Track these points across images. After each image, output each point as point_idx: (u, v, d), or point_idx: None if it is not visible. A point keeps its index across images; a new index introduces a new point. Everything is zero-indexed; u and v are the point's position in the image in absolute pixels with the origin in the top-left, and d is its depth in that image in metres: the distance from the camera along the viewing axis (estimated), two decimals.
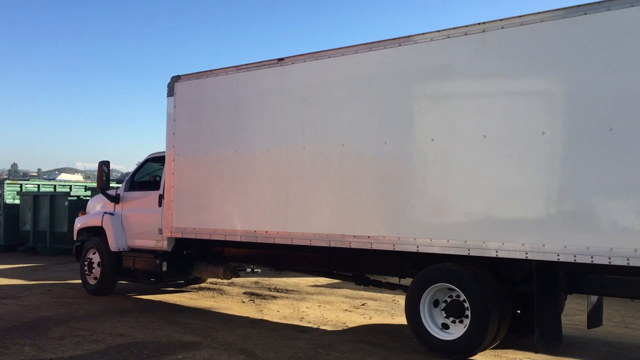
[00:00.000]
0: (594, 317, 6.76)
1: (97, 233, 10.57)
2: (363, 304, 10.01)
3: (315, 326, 8.25)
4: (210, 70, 8.93)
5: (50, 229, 17.63)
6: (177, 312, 9.19)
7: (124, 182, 10.65)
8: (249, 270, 10.12)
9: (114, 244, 10.05)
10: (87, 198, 17.45)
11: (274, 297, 10.63)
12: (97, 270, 10.34)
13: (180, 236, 9.16)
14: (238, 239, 8.39)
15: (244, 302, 10.21)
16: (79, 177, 69.58)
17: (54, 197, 17.81)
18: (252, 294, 10.98)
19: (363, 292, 10.94)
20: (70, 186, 21.05)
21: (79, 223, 11.00)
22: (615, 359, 6.73)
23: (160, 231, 9.51)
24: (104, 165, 10.24)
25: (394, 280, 8.04)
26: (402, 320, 8.47)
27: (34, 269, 14.59)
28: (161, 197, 9.60)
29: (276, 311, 9.37)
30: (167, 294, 10.80)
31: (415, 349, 6.84)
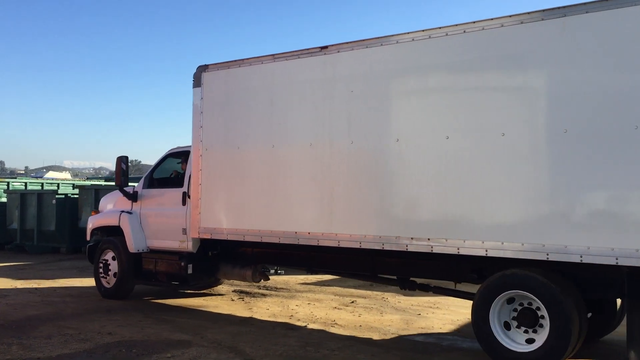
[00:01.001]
0: None
1: (112, 233, 9.89)
2: (352, 302, 9.85)
3: (305, 324, 8.17)
4: (242, 60, 8.33)
5: (38, 227, 17.50)
6: (166, 310, 9.02)
7: (142, 179, 9.94)
8: (272, 271, 9.58)
9: (132, 245, 9.38)
10: (75, 196, 17.39)
11: (264, 295, 10.43)
12: (114, 272, 9.65)
13: (209, 237, 8.54)
14: (277, 240, 7.81)
15: (233, 300, 10.01)
16: (66, 175, 68.27)
17: (41, 195, 17.74)
18: (241, 292, 10.76)
19: (352, 290, 10.91)
20: (58, 184, 21.11)
21: (93, 222, 10.26)
22: None
23: (185, 231, 8.89)
24: (122, 160, 9.54)
25: (441, 283, 7.53)
26: (391, 317, 8.68)
27: (21, 267, 14.24)
28: (185, 194, 8.97)
29: (265, 309, 9.23)
30: (157, 293, 10.39)
31: (404, 346, 6.81)
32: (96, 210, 10.69)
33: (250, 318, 8.52)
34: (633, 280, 5.64)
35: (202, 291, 10.69)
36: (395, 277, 7.80)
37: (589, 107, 5.69)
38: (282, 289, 11.09)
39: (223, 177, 8.40)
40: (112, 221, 9.81)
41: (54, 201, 17.03)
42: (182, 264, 8.83)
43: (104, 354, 6.46)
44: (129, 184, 9.82)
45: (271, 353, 6.52)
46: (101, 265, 9.79)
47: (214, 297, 10.20)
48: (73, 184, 20.71)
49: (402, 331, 7.83)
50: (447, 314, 8.92)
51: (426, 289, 7.68)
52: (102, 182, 21.88)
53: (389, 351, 6.65)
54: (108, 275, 9.71)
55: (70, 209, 17.16)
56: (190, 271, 8.84)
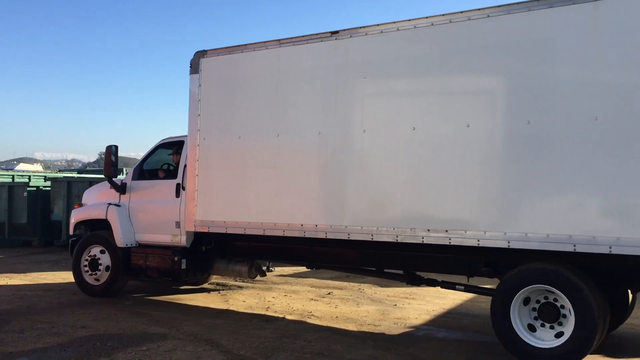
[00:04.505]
0: None
1: (98, 227, 9.37)
2: (329, 293, 9.84)
3: (282, 316, 8.16)
4: (245, 45, 7.96)
5: (9, 220, 17.08)
6: (142, 303, 8.92)
7: (132, 170, 9.43)
8: (264, 268, 9.22)
9: (120, 239, 8.90)
10: (47, 189, 17.03)
11: (240, 287, 10.36)
12: (102, 268, 9.14)
13: (206, 230, 8.14)
14: (281, 233, 7.49)
15: (209, 292, 9.92)
16: (38, 167, 66.37)
17: (12, 187, 17.27)
18: (217, 284, 10.65)
19: (329, 282, 10.92)
20: (29, 176, 20.63)
21: (76, 216, 9.66)
22: None
23: (178, 225, 8.49)
24: (112, 151, 8.99)
25: (449, 278, 7.26)
26: (367, 308, 8.74)
27: None
28: (179, 186, 8.56)
29: (242, 301, 9.18)
30: (132, 286, 9.99)
31: (380, 336, 6.87)
32: (80, 203, 10.12)
33: (227, 310, 8.46)
34: None
35: (191, 287, 10.30)
36: (402, 272, 7.55)
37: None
38: (259, 281, 10.88)
39: (222, 168, 8.02)
40: (98, 214, 9.28)
41: (25, 194, 16.62)
42: (176, 258, 8.42)
43: (78, 347, 6.35)
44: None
45: (248, 345, 6.51)
46: (87, 261, 9.25)
47: (189, 289, 10.03)
48: (45, 177, 20.09)
49: (378, 322, 7.84)
50: (423, 304, 9.00)
51: (433, 284, 7.45)
52: (75, 175, 21.24)
53: (365, 342, 6.71)
54: (97, 271, 9.17)
55: (42, 201, 16.75)
56: (183, 266, 8.45)
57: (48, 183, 17.40)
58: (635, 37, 5.51)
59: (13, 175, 20.58)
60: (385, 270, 7.64)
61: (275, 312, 8.39)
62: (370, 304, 8.98)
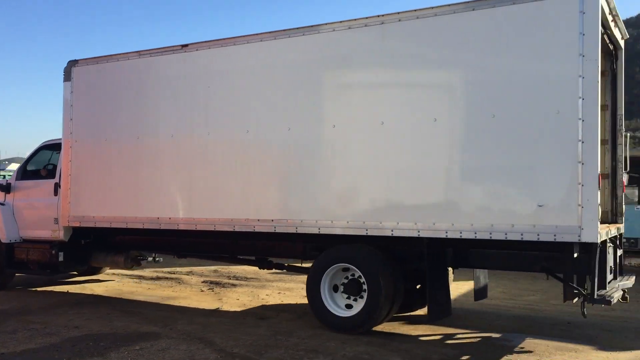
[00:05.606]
0: (480, 291, 7.42)
1: None
2: None
3: (275, 313, 8.28)
4: (111, 55, 8.76)
5: None
6: (135, 302, 9.04)
7: (16, 171, 10.15)
8: (150, 259, 10.05)
9: (4, 235, 9.57)
10: None
11: (234, 285, 10.60)
12: None
13: (78, 225, 8.92)
14: (141, 226, 8.32)
15: (202, 291, 10.13)
16: None
17: None
18: (211, 282, 10.92)
19: None
20: None
21: None
22: (565, 335, 7.10)
23: (57, 221, 9.20)
24: None
25: (297, 262, 8.35)
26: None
27: None
28: (57, 185, 9.29)
29: (236, 299, 9.34)
30: (125, 285, 10.60)
31: (374, 333, 6.96)
32: None
33: (220, 309, 8.57)
34: (430, 251, 6.64)
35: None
36: (254, 258, 8.55)
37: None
38: (252, 278, 11.26)
39: (91, 168, 8.82)
40: None
41: None
42: (54, 252, 9.15)
43: (71, 347, 6.29)
44: None
45: (241, 343, 6.49)
46: None
47: (183, 288, 10.32)
48: None
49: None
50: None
51: (281, 268, 8.50)
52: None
53: (359, 338, 6.73)
54: None
55: None
56: (61, 259, 9.16)
57: None
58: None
59: (4, 176, 20.15)
60: (239, 256, 8.63)
61: (269, 309, 8.52)
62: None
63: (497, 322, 7.67)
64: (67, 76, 9.06)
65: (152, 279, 11.38)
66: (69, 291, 9.97)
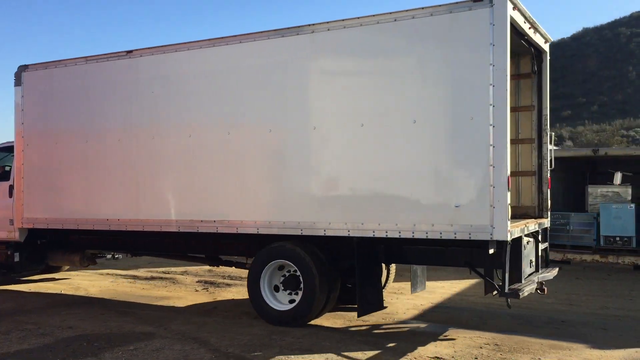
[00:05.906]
0: (416, 283, 7.78)
1: None
2: None
3: None
4: (59, 61, 8.97)
5: None
6: (129, 302, 9.09)
7: None
8: (109, 256, 10.34)
9: None
10: None
11: (228, 285, 10.61)
12: None
13: (31, 226, 9.18)
14: (91, 227, 8.60)
15: (197, 290, 10.15)
16: None
17: None
18: (205, 282, 10.99)
19: None
20: None
21: None
22: (559, 334, 7.14)
23: (12, 222, 9.42)
24: None
25: (243, 259, 8.64)
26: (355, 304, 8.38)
27: None
28: (11, 187, 9.50)
29: (230, 299, 9.38)
30: (119, 285, 10.72)
31: (368, 332, 7.09)
32: None
33: (215, 308, 8.55)
34: (360, 249, 6.99)
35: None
36: (204, 256, 8.89)
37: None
38: (247, 278, 11.16)
39: (43, 171, 9.05)
40: None
41: None
42: (9, 252, 9.43)
43: (65, 348, 6.30)
44: None
45: (236, 342, 6.49)
46: None
47: (177, 288, 10.33)
48: None
49: (367, 317, 7.71)
50: (412, 299, 9.06)
51: (229, 265, 8.85)
52: None
53: (353, 337, 6.81)
54: None
55: None
56: (17, 259, 9.45)
57: None
58: None
59: None
60: (190, 255, 8.96)
61: None
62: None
63: (492, 321, 7.73)
64: (18, 81, 9.26)
65: (146, 279, 11.44)
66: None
